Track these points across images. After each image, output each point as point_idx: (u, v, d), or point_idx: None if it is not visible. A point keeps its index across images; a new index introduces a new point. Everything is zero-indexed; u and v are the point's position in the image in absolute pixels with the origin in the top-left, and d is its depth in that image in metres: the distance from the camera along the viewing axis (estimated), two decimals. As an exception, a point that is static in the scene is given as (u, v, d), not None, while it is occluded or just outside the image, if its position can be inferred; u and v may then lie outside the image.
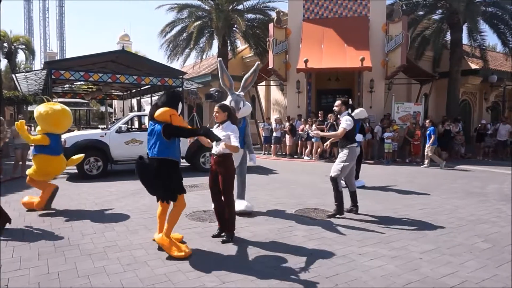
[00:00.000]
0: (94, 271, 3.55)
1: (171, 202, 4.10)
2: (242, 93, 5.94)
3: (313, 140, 13.56)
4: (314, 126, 13.29)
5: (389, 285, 3.32)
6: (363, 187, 7.92)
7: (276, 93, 19.89)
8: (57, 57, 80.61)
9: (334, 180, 5.57)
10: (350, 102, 6.13)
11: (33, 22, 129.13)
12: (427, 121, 12.63)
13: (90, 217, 5.52)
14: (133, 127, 14.90)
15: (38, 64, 74.20)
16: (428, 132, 11.84)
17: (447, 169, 11.35)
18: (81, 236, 4.60)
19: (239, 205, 5.53)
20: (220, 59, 6.23)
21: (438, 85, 17.78)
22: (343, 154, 5.62)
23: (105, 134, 9.46)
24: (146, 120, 13.51)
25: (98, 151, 9.23)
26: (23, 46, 34.10)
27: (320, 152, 13.67)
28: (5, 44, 31.20)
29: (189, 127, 4.25)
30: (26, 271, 3.56)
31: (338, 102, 5.79)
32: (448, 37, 17.59)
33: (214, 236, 4.55)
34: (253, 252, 4.10)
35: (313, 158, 13.58)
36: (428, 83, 16.90)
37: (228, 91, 5.95)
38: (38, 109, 5.85)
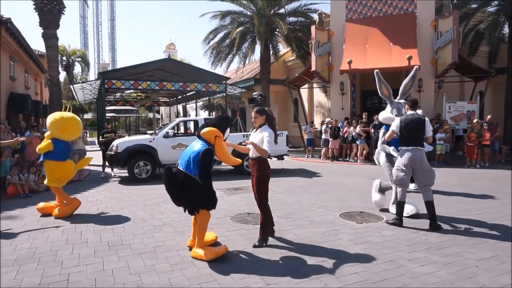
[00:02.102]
0: (144, 270, 3.72)
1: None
2: (402, 101, 5.95)
3: (357, 142, 13.22)
4: (358, 128, 12.96)
5: (441, 293, 3.16)
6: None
7: (319, 96, 19.65)
8: (109, 68, 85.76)
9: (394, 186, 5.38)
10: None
11: (88, 36, 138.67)
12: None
13: (140, 218, 5.79)
14: (179, 132, 15.44)
15: (92, 75, 79.17)
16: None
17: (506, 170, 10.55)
18: (133, 236, 4.84)
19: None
20: (377, 70, 6.24)
21: (495, 82, 16.56)
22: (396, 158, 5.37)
23: (153, 139, 9.88)
24: (191, 125, 13.93)
25: (147, 155, 9.66)
26: (79, 59, 36.73)
27: (365, 155, 13.29)
28: (64, 57, 33.70)
29: (227, 155, 4.23)
30: (84, 267, 3.81)
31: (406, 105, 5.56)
32: (506, 30, 16.37)
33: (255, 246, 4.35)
34: (297, 255, 4.07)
35: (359, 161, 13.22)
36: (483, 80, 15.81)
37: (387, 99, 5.99)
38: (51, 116, 6.14)
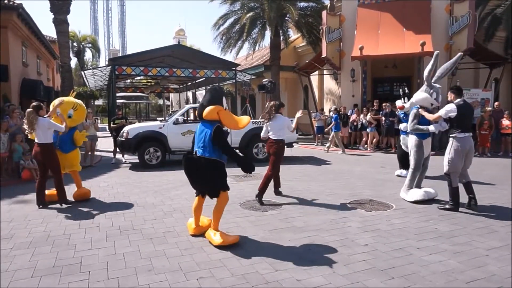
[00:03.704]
0: (155, 254, 3.79)
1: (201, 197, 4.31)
2: (439, 85, 6.03)
3: (368, 130, 13.10)
4: (369, 116, 12.82)
5: (450, 281, 3.15)
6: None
7: (329, 83, 19.42)
8: (119, 54, 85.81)
9: (447, 175, 5.35)
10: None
11: (98, 21, 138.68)
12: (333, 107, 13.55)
13: (151, 203, 5.88)
14: (189, 119, 15.48)
15: (103, 61, 79.54)
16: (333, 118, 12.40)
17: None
18: (143, 221, 4.92)
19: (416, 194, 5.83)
20: (438, 52, 6.31)
21: (511, 68, 16.16)
22: (448, 145, 5.34)
23: (163, 125, 9.93)
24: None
25: (157, 142, 9.73)
26: (90, 45, 36.85)
27: (375, 143, 13.19)
28: (75, 43, 33.84)
29: (236, 118, 4.18)
30: (96, 251, 3.90)
31: (448, 93, 5.60)
32: (524, 14, 15.87)
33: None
34: (306, 242, 4.10)
35: (369, 149, 13.13)
36: (499, 67, 15.41)
37: (428, 82, 6.02)
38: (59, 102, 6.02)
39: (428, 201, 5.78)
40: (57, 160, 5.78)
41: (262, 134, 6.33)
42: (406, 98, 7.73)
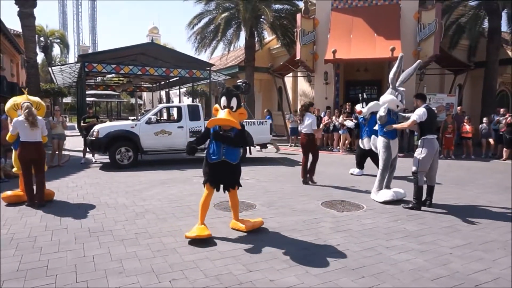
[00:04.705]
0: (126, 256, 3.71)
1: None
2: (403, 89, 6.31)
3: (340, 132, 13.37)
4: (341, 118, 13.09)
5: (417, 279, 3.27)
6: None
7: (303, 85, 19.70)
8: (90, 51, 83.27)
9: (415, 174, 5.57)
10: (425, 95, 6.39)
11: (67, 16, 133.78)
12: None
13: (122, 205, 5.74)
14: (162, 118, 15.22)
15: (72, 57, 76.73)
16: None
17: (485, 163, 10.93)
18: (114, 223, 4.80)
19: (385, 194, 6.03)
20: (402, 54, 6.51)
21: (473, 75, 16.99)
22: (419, 147, 5.60)
23: (136, 125, 9.73)
24: (174, 111, 13.73)
25: (129, 141, 9.51)
26: (58, 40, 35.46)
27: (347, 144, 13.48)
28: (42, 38, 32.50)
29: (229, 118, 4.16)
30: (64, 253, 3.76)
31: (414, 99, 5.91)
32: (486, 24, 16.73)
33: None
34: (279, 243, 4.13)
35: (341, 150, 13.41)
36: (462, 74, 16.19)
37: (393, 85, 6.25)
38: (9, 102, 5.92)
39: (397, 201, 5.97)
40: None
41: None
42: (364, 103, 8.21)
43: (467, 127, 12.37)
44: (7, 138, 5.88)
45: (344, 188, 7.11)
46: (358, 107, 8.72)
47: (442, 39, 14.62)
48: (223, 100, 4.20)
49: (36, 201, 5.61)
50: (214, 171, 4.27)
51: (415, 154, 5.60)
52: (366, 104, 8.04)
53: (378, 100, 6.74)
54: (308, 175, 7.55)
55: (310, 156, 7.59)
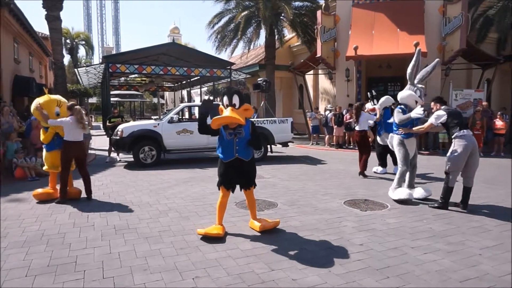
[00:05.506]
0: (150, 253, 3.78)
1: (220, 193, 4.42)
2: (422, 86, 6.27)
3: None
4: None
5: (444, 280, 3.19)
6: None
7: (324, 82, 19.49)
8: (113, 51, 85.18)
9: (447, 174, 5.33)
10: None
11: (91, 18, 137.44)
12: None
13: (146, 203, 5.86)
14: (183, 117, 15.42)
15: (96, 58, 78.93)
16: None
17: None
18: (138, 221, 4.90)
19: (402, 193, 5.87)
20: (420, 48, 6.54)
21: (502, 69, 16.35)
22: (452, 145, 5.31)
23: (158, 124, 9.89)
24: (196, 110, 13.87)
25: (152, 140, 9.68)
26: (83, 42, 36.52)
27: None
28: (68, 40, 33.53)
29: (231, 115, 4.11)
30: (91, 250, 3.88)
31: (432, 103, 5.63)
32: (516, 16, 16.05)
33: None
34: (301, 242, 4.12)
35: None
36: (491, 68, 15.59)
37: (411, 81, 6.21)
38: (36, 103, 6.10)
39: (423, 200, 5.83)
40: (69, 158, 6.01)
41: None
42: (375, 100, 8.12)
43: (500, 122, 11.89)
44: (41, 139, 6.15)
45: (367, 187, 6.99)
46: (368, 105, 8.64)
47: (469, 32, 14.14)
48: (225, 99, 4.17)
49: (86, 195, 6.13)
50: (229, 170, 4.26)
51: (448, 153, 5.32)
52: (377, 101, 8.04)
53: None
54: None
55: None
